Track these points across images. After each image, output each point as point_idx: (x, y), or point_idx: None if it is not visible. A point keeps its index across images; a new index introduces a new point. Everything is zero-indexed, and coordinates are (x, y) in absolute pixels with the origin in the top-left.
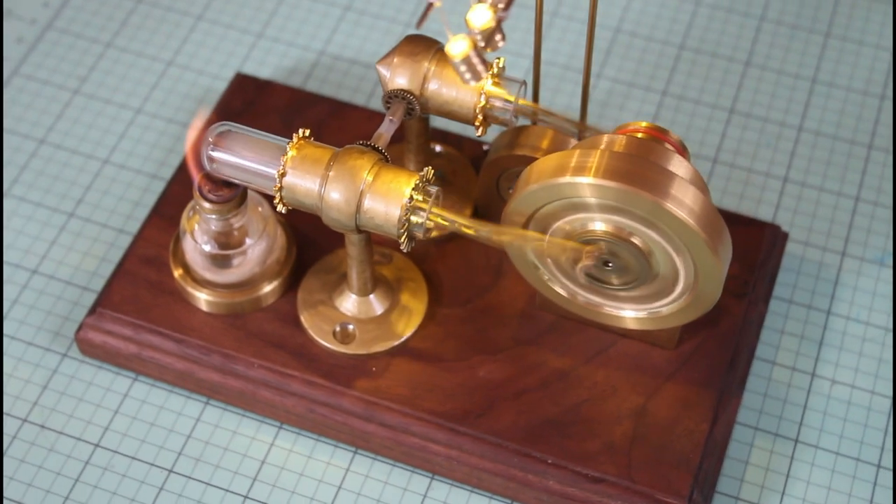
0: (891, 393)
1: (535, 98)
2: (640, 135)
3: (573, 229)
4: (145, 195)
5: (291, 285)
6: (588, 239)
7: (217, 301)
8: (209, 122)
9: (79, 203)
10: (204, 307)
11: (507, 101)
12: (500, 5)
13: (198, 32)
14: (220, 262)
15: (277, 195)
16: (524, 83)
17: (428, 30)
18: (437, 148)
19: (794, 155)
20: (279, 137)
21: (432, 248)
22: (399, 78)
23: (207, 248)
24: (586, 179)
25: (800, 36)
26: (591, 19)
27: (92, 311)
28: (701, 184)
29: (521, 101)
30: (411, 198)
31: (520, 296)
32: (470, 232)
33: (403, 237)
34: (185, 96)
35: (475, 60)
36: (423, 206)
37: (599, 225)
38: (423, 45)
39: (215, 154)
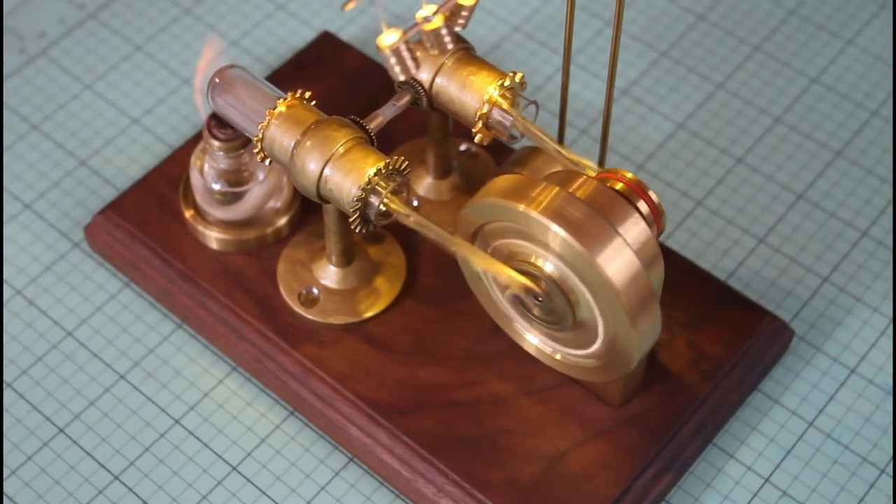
0: None
1: (561, 134)
2: (619, 185)
3: (515, 254)
4: None
5: (283, 238)
6: (524, 269)
7: (208, 234)
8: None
9: (147, 113)
10: (196, 236)
11: (507, 113)
12: (462, 13)
13: None
14: (221, 199)
15: (259, 145)
16: (534, 103)
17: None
18: (473, 148)
19: (846, 258)
20: (279, 91)
21: (426, 242)
22: (419, 67)
23: (215, 186)
24: (529, 211)
25: None
26: (613, 60)
27: (102, 210)
28: (649, 253)
29: (523, 119)
30: (369, 180)
31: None
32: (423, 231)
33: (356, 216)
34: (281, 41)
35: (405, 55)
36: (382, 190)
37: (537, 259)
38: None
39: (217, 92)
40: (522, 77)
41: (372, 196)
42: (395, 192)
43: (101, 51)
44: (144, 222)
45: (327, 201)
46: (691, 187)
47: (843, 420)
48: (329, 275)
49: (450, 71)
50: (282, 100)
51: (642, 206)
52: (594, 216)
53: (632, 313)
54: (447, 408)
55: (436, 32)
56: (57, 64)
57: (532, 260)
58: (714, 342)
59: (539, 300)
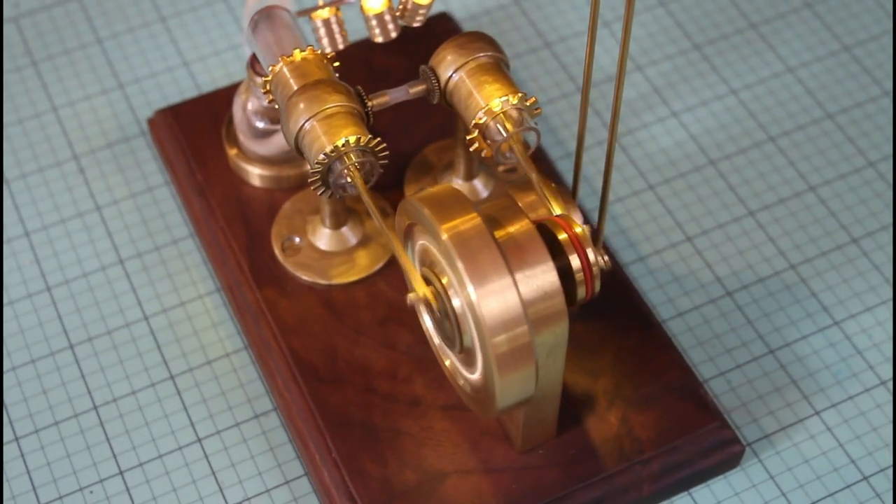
0: None
1: (576, 180)
2: (562, 235)
3: (434, 263)
4: None
5: (301, 185)
6: (433, 282)
7: (239, 164)
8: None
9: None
10: (228, 161)
11: (503, 131)
12: (420, 11)
13: None
14: (256, 132)
15: (267, 85)
16: (535, 129)
17: None
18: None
19: (851, 399)
20: (304, 43)
21: None
22: (441, 60)
23: (256, 121)
24: (439, 226)
25: None
26: (612, 135)
27: (164, 109)
28: (549, 307)
29: (517, 142)
30: (336, 148)
31: None
32: (374, 214)
33: (317, 177)
34: None
35: (335, 29)
36: (348, 160)
37: (444, 277)
38: (478, 44)
39: (256, 30)
40: (535, 101)
41: (337, 162)
42: (360, 168)
43: None
44: (190, 131)
45: (302, 156)
46: (729, 276)
47: None
48: (317, 232)
49: (468, 72)
50: (298, 50)
51: (574, 260)
52: (494, 253)
53: (499, 360)
54: (364, 392)
55: (379, 18)
56: None
57: (442, 277)
58: (647, 427)
59: (436, 314)
